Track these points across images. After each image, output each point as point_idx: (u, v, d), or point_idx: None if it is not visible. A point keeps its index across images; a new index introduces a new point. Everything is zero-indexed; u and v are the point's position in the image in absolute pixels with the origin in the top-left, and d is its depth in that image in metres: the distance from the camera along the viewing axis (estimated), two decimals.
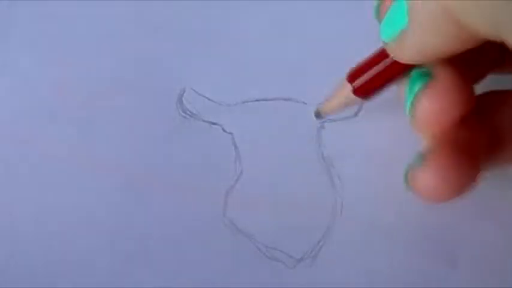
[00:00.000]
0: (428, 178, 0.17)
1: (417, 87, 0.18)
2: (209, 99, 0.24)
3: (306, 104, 0.24)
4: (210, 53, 0.25)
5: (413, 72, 0.19)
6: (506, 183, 0.23)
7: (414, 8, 0.16)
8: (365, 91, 0.21)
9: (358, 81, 0.21)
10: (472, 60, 0.19)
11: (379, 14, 0.19)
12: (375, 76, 0.20)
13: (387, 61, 0.20)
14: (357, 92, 0.21)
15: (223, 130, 0.24)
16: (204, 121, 0.24)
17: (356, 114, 0.24)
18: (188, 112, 0.24)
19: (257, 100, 0.24)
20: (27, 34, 0.25)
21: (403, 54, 0.18)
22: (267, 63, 0.25)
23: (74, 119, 0.24)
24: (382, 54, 0.20)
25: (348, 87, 0.21)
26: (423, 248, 0.23)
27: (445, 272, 0.23)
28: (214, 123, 0.24)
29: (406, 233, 0.23)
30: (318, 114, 0.24)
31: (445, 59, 0.17)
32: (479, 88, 0.20)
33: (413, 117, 0.18)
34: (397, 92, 0.20)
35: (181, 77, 0.24)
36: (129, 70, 0.25)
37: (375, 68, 0.20)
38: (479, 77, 0.20)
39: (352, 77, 0.21)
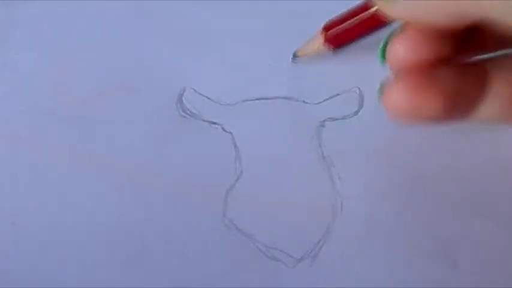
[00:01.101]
0: (395, 94, 0.18)
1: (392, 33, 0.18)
2: (209, 99, 0.24)
3: (306, 103, 0.24)
4: (210, 53, 0.25)
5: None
6: (505, 183, 0.23)
7: None
8: (335, 42, 0.24)
9: (331, 32, 0.24)
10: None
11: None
12: (348, 29, 0.23)
13: (361, 16, 0.23)
14: (328, 41, 0.24)
15: (223, 129, 0.24)
16: (204, 120, 0.24)
17: (356, 113, 0.24)
18: (188, 112, 0.24)
19: (257, 99, 0.24)
20: (27, 34, 0.25)
21: (391, 11, 0.18)
22: (267, 62, 0.25)
23: (74, 119, 0.24)
24: (357, 11, 0.23)
25: (321, 37, 0.24)
26: (423, 248, 0.23)
27: (445, 272, 0.23)
28: (214, 123, 0.24)
29: (406, 233, 0.23)
30: (294, 55, 0.25)
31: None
32: None
33: (389, 58, 0.18)
34: None
35: (181, 77, 0.24)
36: (129, 70, 0.25)
37: (348, 22, 0.23)
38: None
39: (327, 28, 0.24)
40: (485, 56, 0.19)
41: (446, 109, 0.18)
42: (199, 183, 0.23)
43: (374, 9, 0.23)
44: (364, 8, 0.23)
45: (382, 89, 0.18)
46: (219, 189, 0.23)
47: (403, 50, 0.18)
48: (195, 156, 0.24)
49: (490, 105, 0.19)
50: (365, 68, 0.24)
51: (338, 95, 0.24)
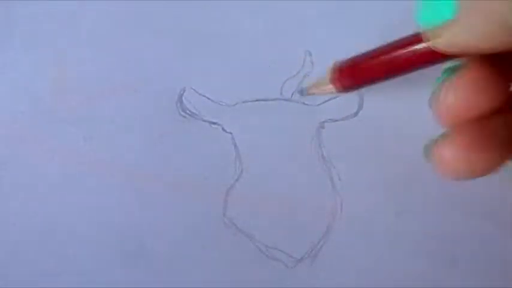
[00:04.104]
0: (449, 152, 0.17)
1: (445, 76, 0.18)
2: (209, 99, 0.24)
3: (306, 104, 0.24)
4: (210, 53, 0.25)
5: (445, 66, 0.18)
6: (505, 184, 0.23)
7: (465, 4, 0.16)
8: (350, 83, 0.21)
9: (346, 74, 0.21)
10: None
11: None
12: (368, 71, 0.20)
13: (382, 59, 0.20)
14: (341, 83, 0.21)
15: (223, 130, 0.24)
16: (204, 121, 0.24)
17: (356, 114, 0.24)
18: (188, 112, 0.24)
19: (257, 100, 0.24)
20: (27, 34, 0.25)
21: (440, 42, 0.17)
22: (267, 63, 0.25)
23: (74, 119, 0.24)
24: (375, 54, 0.20)
25: (333, 79, 0.21)
26: (423, 248, 0.23)
27: (445, 272, 0.23)
28: (214, 123, 0.24)
29: (405, 233, 0.23)
30: (301, 92, 0.24)
31: (480, 56, 0.17)
32: None
33: (439, 108, 0.18)
34: None
35: (181, 77, 0.24)
36: (129, 70, 0.24)
37: (369, 62, 0.20)
38: None
39: (341, 70, 0.21)
40: None
41: (503, 161, 0.17)
42: (199, 183, 0.23)
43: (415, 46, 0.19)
44: (394, 47, 0.19)
45: (431, 147, 0.18)
46: (219, 189, 0.23)
47: (458, 97, 0.17)
48: (194, 156, 0.24)
49: None
50: None
51: (338, 96, 0.24)
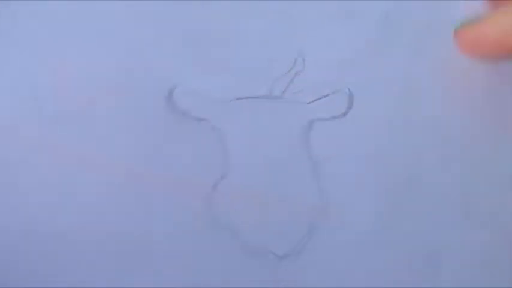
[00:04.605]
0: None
1: None
2: (200, 96, 0.24)
3: (295, 102, 0.24)
4: (202, 51, 0.25)
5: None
6: (492, 187, 0.24)
7: None
8: None
9: None
10: None
11: None
12: None
13: None
14: None
15: (213, 127, 0.24)
16: (193, 118, 0.24)
17: (345, 114, 0.24)
18: (178, 109, 0.24)
19: (247, 97, 0.24)
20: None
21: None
22: (259, 61, 0.25)
23: (63, 118, 0.24)
24: None
25: None
26: (409, 248, 0.23)
27: (431, 275, 0.23)
28: (203, 120, 0.24)
29: (391, 233, 0.23)
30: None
31: None
32: None
33: None
34: None
35: (171, 74, 0.24)
36: (119, 67, 0.24)
37: None
38: None
39: None
40: None
41: None
42: (186, 180, 0.23)
43: None
44: None
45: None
46: (205, 186, 0.23)
47: None
48: (182, 153, 0.24)
49: None
50: (355, 68, 0.24)
51: (328, 95, 0.24)
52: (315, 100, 0.24)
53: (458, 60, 0.24)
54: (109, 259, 0.23)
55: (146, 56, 0.24)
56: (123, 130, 0.24)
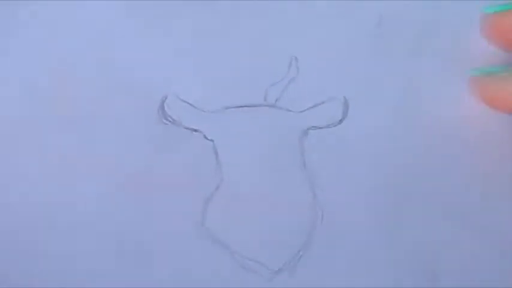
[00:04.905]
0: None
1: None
2: (191, 106, 0.24)
3: (289, 111, 0.24)
4: (193, 59, 0.24)
5: None
6: (492, 188, 0.23)
7: None
8: None
9: None
10: None
11: None
12: None
13: None
14: None
15: (205, 137, 0.24)
16: (185, 128, 0.24)
17: (340, 122, 0.24)
18: (170, 118, 0.24)
19: (240, 106, 0.24)
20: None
21: None
22: (250, 69, 0.24)
23: (62, 119, 0.24)
24: None
25: None
26: (405, 260, 0.23)
27: (428, 281, 0.23)
28: (195, 130, 0.24)
29: (387, 245, 0.23)
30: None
31: None
32: None
33: None
34: None
35: (163, 84, 0.24)
36: (111, 75, 0.24)
37: None
38: None
39: None
40: None
41: None
42: (179, 191, 0.23)
43: None
44: None
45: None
46: (198, 197, 0.23)
47: None
48: (175, 163, 0.23)
49: None
50: (351, 77, 0.24)
51: (323, 103, 0.24)
52: (309, 108, 0.24)
53: (457, 64, 0.24)
54: (105, 264, 0.23)
55: (138, 64, 0.24)
56: (115, 141, 0.24)
